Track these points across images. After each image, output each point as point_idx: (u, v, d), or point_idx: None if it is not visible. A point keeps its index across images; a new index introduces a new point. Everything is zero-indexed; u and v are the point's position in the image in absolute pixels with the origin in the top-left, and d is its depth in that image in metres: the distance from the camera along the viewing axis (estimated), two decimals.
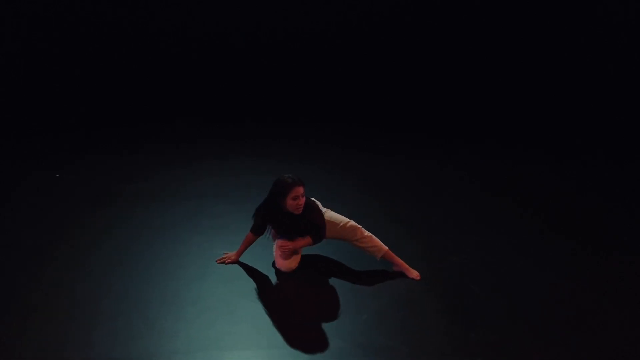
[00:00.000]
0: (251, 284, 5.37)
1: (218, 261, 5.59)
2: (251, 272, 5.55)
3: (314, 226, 5.38)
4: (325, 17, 12.14)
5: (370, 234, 5.56)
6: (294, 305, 5.15)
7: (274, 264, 5.63)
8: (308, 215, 5.33)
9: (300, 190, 5.18)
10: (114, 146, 9.05)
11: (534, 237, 6.40)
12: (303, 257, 5.69)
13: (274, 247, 5.65)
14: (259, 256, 5.76)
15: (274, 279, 5.49)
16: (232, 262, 5.58)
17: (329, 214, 5.58)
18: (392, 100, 11.64)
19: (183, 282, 5.34)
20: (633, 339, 4.75)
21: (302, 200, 5.23)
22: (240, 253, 5.60)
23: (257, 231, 5.51)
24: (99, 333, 4.67)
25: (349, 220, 5.54)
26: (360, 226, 5.54)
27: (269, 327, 4.85)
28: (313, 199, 5.61)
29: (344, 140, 9.43)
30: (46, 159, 8.40)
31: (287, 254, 5.47)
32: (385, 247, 5.57)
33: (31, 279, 5.33)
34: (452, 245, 6.19)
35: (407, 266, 5.60)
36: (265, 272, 5.58)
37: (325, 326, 4.87)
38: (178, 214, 6.67)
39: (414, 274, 5.56)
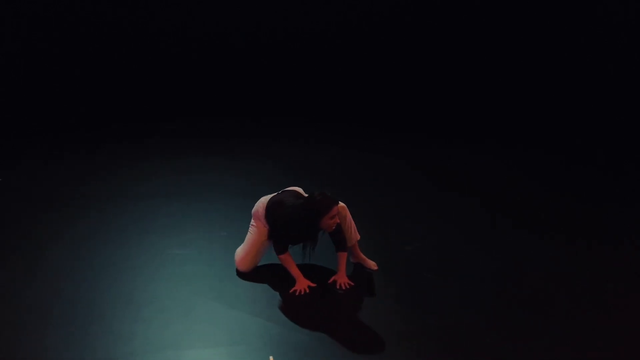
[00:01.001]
0: (208, 283, 5.36)
1: (297, 293, 5.28)
2: (208, 271, 5.55)
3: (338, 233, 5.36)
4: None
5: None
6: (253, 301, 5.15)
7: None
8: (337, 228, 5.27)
9: (337, 209, 5.10)
10: (67, 147, 8.91)
11: (484, 226, 6.60)
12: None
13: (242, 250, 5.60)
14: (216, 255, 5.78)
15: (231, 277, 5.48)
16: (306, 286, 5.30)
17: None
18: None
19: (138, 284, 5.31)
20: (582, 319, 4.94)
21: (337, 220, 5.16)
22: (300, 274, 5.36)
23: (287, 249, 5.33)
24: (52, 339, 4.62)
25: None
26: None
27: (229, 324, 4.87)
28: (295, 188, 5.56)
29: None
30: None
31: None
32: (359, 236, 5.62)
33: None
34: (407, 235, 6.32)
35: (364, 257, 5.68)
36: (222, 270, 5.57)
37: (284, 320, 4.92)
38: (130, 215, 6.60)
39: (371, 264, 5.65)
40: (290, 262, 5.34)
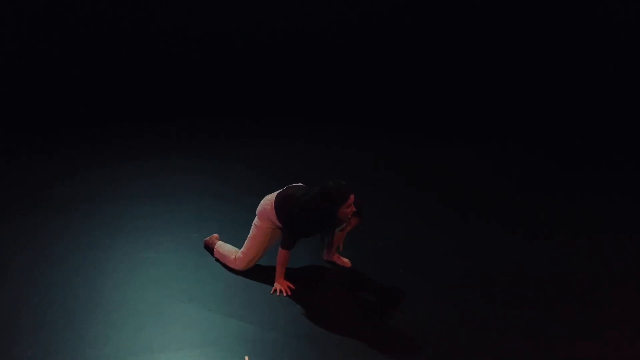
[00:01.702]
0: (180, 285, 5.34)
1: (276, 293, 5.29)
2: (179, 273, 5.52)
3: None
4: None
5: None
6: (227, 302, 5.15)
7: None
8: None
9: (353, 198, 5.04)
10: (33, 149, 8.72)
11: (458, 223, 6.72)
12: None
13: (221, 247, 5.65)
14: (188, 257, 5.76)
15: (202, 278, 5.47)
16: (287, 286, 5.29)
17: None
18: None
19: (108, 288, 5.25)
20: (548, 313, 5.11)
21: (353, 208, 5.11)
22: (283, 274, 5.35)
23: (293, 247, 5.27)
24: (20, 346, 4.54)
25: None
26: None
27: (202, 325, 4.87)
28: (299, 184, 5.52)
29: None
30: None
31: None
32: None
33: None
34: (380, 232, 6.38)
35: (338, 255, 5.71)
36: (194, 272, 5.56)
37: (259, 320, 4.93)
38: (99, 218, 6.51)
39: (344, 261, 5.69)
40: (287, 261, 5.31)
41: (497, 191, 7.59)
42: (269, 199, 5.37)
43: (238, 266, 5.52)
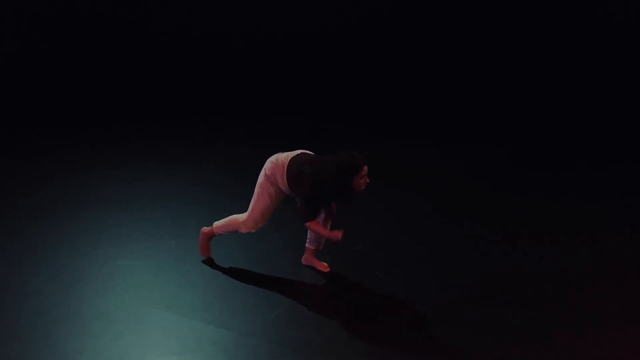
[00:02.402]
0: (158, 293, 5.33)
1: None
2: (156, 280, 5.52)
3: None
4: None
5: None
6: (205, 309, 5.15)
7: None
8: None
9: (366, 169, 5.10)
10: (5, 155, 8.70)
11: (432, 226, 6.78)
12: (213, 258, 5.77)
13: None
14: (165, 265, 5.76)
15: (180, 285, 5.47)
16: (340, 235, 5.26)
17: None
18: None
19: (86, 296, 5.23)
20: (522, 316, 5.13)
21: (367, 179, 5.15)
22: (327, 230, 5.38)
23: (317, 217, 5.30)
24: None
25: None
26: None
27: (180, 332, 4.86)
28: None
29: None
30: None
31: None
32: None
33: None
34: (358, 235, 6.37)
35: (317, 260, 5.74)
36: (170, 279, 5.55)
37: (238, 326, 4.94)
38: (75, 226, 6.47)
39: (323, 265, 5.71)
40: (319, 224, 5.32)
41: (481, 193, 7.64)
42: (282, 160, 5.30)
43: (247, 227, 5.46)
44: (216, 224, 5.64)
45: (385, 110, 10.99)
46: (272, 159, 5.37)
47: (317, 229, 5.29)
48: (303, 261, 5.78)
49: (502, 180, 8.10)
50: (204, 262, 5.74)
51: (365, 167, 5.04)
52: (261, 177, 5.37)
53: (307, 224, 5.26)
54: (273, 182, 5.31)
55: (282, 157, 5.33)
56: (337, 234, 5.23)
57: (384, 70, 12.09)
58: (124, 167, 8.11)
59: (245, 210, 5.49)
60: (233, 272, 5.59)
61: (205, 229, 5.70)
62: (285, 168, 5.24)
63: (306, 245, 5.71)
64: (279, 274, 5.67)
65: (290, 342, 4.77)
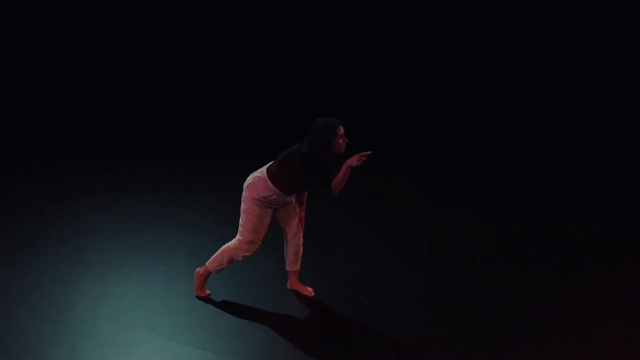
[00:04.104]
0: (144, 316, 5.42)
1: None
2: (144, 304, 5.61)
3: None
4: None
5: None
6: (189, 332, 5.23)
7: None
8: None
9: (342, 129, 5.25)
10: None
11: (416, 250, 6.90)
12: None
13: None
14: (152, 289, 5.86)
15: (167, 309, 5.55)
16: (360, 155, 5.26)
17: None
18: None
19: (74, 320, 5.31)
20: (509, 339, 5.26)
21: (346, 140, 5.27)
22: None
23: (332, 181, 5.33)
24: None
25: None
26: None
27: (165, 355, 4.95)
28: None
29: None
30: None
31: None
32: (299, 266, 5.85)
33: None
34: (343, 259, 6.57)
35: (301, 285, 5.85)
36: (157, 304, 5.64)
37: (223, 349, 5.02)
38: (64, 253, 6.54)
39: (308, 290, 5.81)
40: (338, 180, 5.30)
41: (465, 216, 7.77)
42: (258, 176, 5.40)
43: (241, 250, 5.50)
44: (209, 261, 5.66)
45: (369, 133, 10.96)
46: (248, 180, 5.45)
47: (344, 177, 5.29)
48: (288, 286, 5.89)
49: (484, 203, 8.27)
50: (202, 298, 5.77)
51: (341, 127, 5.22)
52: (244, 204, 5.45)
53: (334, 188, 5.30)
54: (259, 203, 5.37)
55: (257, 173, 5.44)
56: (354, 159, 5.25)
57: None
58: (113, 194, 8.17)
59: (234, 236, 5.57)
60: (219, 297, 5.69)
61: (199, 269, 5.72)
62: (266, 178, 5.35)
63: (286, 268, 5.82)
64: (263, 298, 5.77)
65: None
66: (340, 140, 5.20)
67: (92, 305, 5.55)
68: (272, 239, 5.89)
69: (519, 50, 11.71)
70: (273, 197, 5.35)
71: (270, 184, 5.31)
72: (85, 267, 6.22)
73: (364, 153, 5.24)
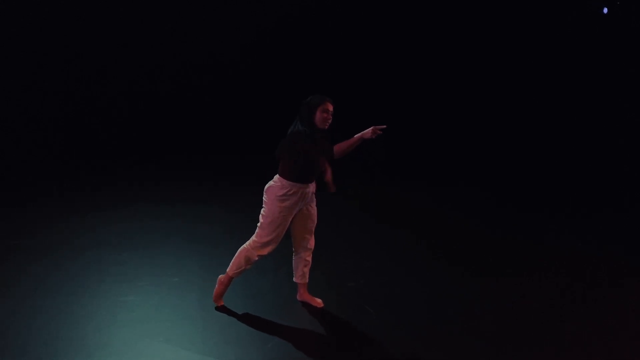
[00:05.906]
0: (158, 326, 5.57)
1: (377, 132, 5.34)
2: (157, 315, 5.77)
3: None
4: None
5: None
6: (201, 342, 5.36)
7: None
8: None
9: (331, 107, 5.35)
10: (7, 199, 9.10)
11: (422, 263, 7.17)
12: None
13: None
14: (165, 300, 6.02)
15: (180, 319, 5.71)
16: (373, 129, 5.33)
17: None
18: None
19: (90, 330, 5.46)
20: (515, 350, 5.36)
21: (331, 118, 5.37)
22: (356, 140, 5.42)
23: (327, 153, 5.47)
24: None
25: None
26: None
27: None
28: None
29: None
30: None
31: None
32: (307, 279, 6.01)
33: None
34: (351, 272, 6.82)
35: (311, 296, 6.03)
36: (170, 314, 5.79)
37: (234, 357, 5.15)
38: (80, 264, 6.75)
39: (317, 301, 5.98)
40: (344, 143, 5.40)
41: (469, 231, 8.06)
42: (271, 182, 5.61)
43: (256, 249, 5.64)
44: (228, 267, 5.81)
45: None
46: (267, 185, 5.64)
47: (346, 148, 5.39)
48: (298, 297, 6.07)
49: (492, 217, 8.60)
50: (217, 309, 5.92)
51: (327, 102, 5.33)
52: (265, 206, 5.63)
53: (335, 152, 5.41)
54: (281, 199, 5.54)
55: (271, 182, 5.64)
56: (368, 132, 5.34)
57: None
58: (125, 208, 8.54)
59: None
60: (230, 307, 5.87)
61: (221, 277, 5.88)
62: (278, 177, 5.57)
63: (294, 279, 6.00)
64: (274, 309, 5.94)
65: None
66: (324, 115, 5.31)
67: (107, 314, 5.72)
68: (282, 252, 6.07)
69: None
70: (291, 191, 5.51)
71: (284, 180, 5.51)
72: (99, 279, 6.42)
73: (379, 127, 5.32)
